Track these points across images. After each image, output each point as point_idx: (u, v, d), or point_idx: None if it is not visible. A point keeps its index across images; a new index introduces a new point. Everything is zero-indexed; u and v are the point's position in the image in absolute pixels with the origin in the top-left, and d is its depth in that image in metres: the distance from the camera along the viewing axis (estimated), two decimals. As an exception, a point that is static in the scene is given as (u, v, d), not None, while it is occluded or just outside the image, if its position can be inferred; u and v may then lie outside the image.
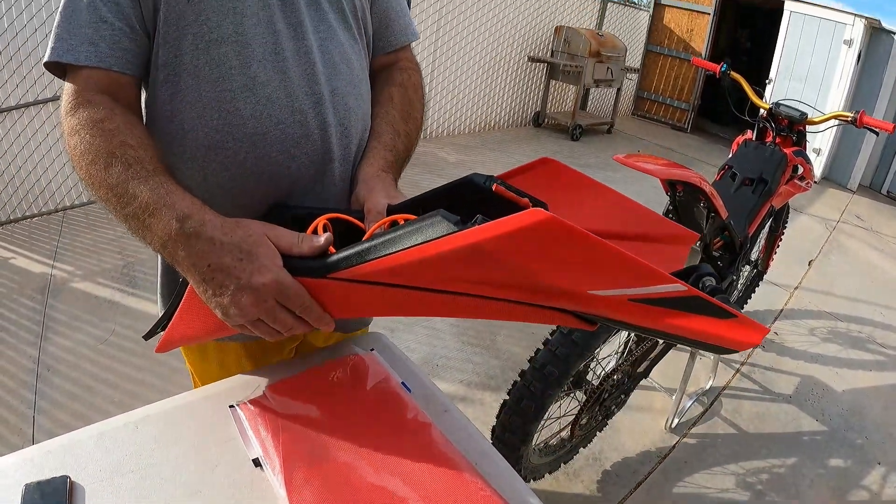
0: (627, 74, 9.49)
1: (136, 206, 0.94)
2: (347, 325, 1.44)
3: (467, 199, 0.96)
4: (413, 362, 1.22)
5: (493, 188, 0.93)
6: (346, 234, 1.01)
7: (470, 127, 8.37)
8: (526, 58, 8.72)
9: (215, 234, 0.91)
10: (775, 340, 4.13)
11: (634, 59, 10.62)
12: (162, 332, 1.06)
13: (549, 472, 2.48)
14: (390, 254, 0.79)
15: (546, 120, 9.18)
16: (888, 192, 8.80)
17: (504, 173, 1.06)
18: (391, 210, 1.04)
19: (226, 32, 1.07)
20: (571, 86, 9.06)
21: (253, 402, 1.04)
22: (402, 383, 1.11)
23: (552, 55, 8.87)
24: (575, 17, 9.37)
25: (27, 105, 4.55)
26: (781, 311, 4.55)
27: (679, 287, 0.71)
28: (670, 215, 2.60)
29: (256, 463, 0.93)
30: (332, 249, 0.91)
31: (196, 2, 1.06)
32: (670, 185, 2.42)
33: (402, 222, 0.92)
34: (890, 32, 8.26)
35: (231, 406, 1.04)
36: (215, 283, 0.91)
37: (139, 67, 1.08)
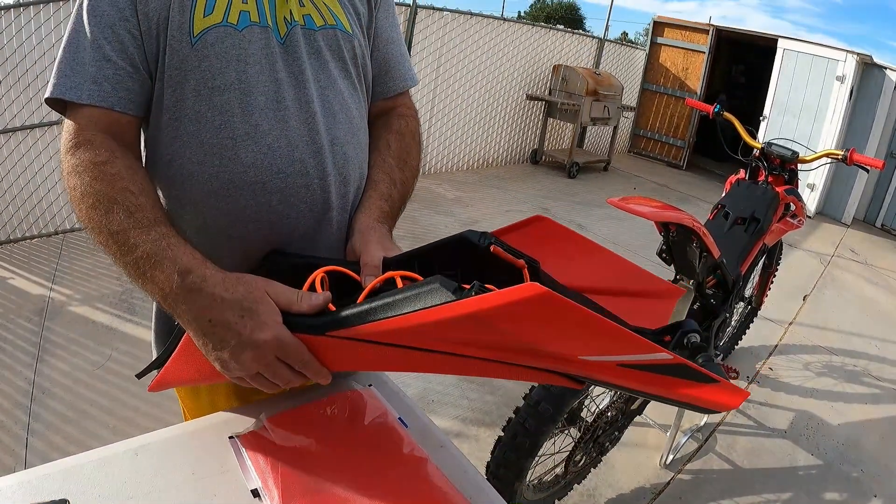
0: (624, 112, 9.56)
1: (137, 255, 0.95)
2: None
3: (462, 256, 0.99)
4: (409, 398, 1.24)
5: (491, 249, 0.96)
6: (342, 286, 1.03)
7: (468, 164, 8.45)
8: (524, 96, 8.83)
9: (217, 290, 0.93)
10: (770, 376, 4.14)
11: (631, 97, 10.72)
12: (156, 372, 1.08)
13: (544, 510, 2.49)
14: (389, 317, 0.82)
15: (543, 157, 9.26)
16: (882, 225, 8.85)
17: (498, 230, 1.11)
18: (387, 263, 1.05)
19: (229, 80, 1.08)
20: (569, 124, 9.12)
21: (252, 434, 1.05)
22: (399, 419, 1.14)
23: (550, 93, 8.97)
24: (573, 56, 9.49)
25: (32, 127, 4.65)
26: (776, 346, 4.57)
27: (665, 356, 0.75)
28: (664, 255, 2.66)
29: (255, 494, 0.94)
30: (331, 307, 0.93)
31: (200, 48, 1.06)
32: (664, 226, 2.47)
33: (398, 279, 0.96)
34: (881, 67, 8.36)
35: (231, 437, 1.05)
36: (216, 338, 0.93)
37: (141, 107, 1.09)
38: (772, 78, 9.08)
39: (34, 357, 3.29)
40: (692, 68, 10.34)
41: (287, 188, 1.12)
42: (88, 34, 1.04)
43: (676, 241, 2.51)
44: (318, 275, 1.00)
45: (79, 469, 0.95)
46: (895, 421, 3.88)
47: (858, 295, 6.05)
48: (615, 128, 9.57)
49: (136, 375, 1.16)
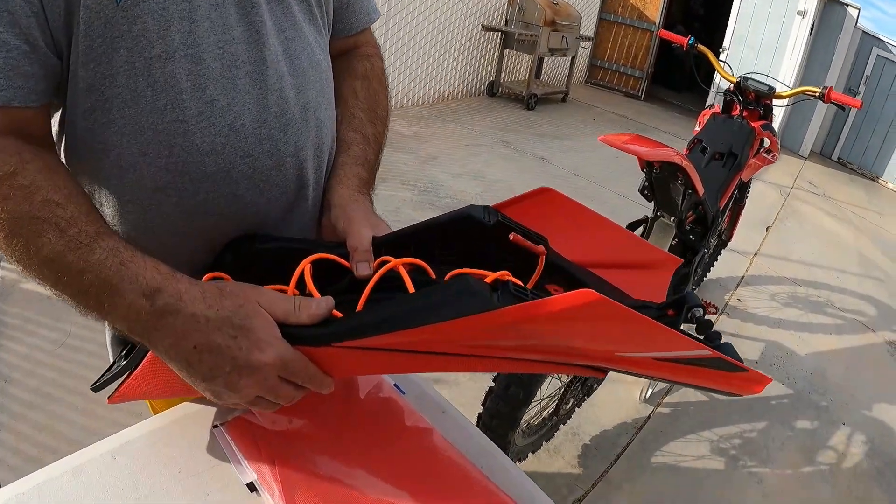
0: (582, 43, 9.46)
1: (84, 283, 0.76)
2: None
3: (462, 233, 0.92)
4: None
5: (511, 238, 0.89)
6: (327, 271, 0.91)
7: (424, 98, 8.23)
8: (479, 27, 8.62)
9: (198, 309, 0.76)
10: (738, 307, 4.21)
11: (588, 27, 10.58)
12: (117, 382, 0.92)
13: (532, 452, 2.50)
14: (413, 327, 0.72)
15: (501, 89, 9.09)
16: (839, 158, 8.98)
17: (502, 203, 1.04)
18: (376, 244, 0.92)
19: (172, 45, 0.83)
20: (526, 55, 8.99)
21: (238, 420, 0.94)
22: (395, 385, 1.06)
23: (506, 24, 8.77)
24: (529, -14, 9.32)
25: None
26: (742, 277, 4.64)
27: (705, 352, 0.74)
28: (645, 192, 2.62)
29: (251, 487, 0.85)
30: (335, 312, 0.82)
31: (129, 6, 0.80)
32: (647, 163, 2.44)
33: (400, 268, 0.86)
34: (843, 4, 8.38)
35: (215, 426, 0.93)
36: (204, 367, 0.77)
37: (46, 94, 0.83)
38: (732, 11, 9.04)
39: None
40: (651, -2, 10.25)
41: (256, 173, 0.94)
42: None
43: (660, 178, 2.48)
44: (304, 267, 0.87)
45: (53, 482, 0.82)
46: (858, 351, 4.00)
47: (818, 226, 6.16)
48: (573, 58, 9.44)
49: (92, 388, 0.95)
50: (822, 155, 9.15)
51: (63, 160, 0.93)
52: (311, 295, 0.84)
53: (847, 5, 8.36)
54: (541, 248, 0.91)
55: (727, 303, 4.23)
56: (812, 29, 8.35)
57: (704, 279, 4.22)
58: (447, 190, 5.29)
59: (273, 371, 0.78)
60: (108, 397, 0.90)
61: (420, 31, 7.67)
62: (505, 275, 0.83)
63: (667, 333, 0.69)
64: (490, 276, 0.82)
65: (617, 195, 5.68)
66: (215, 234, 0.96)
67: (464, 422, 1.05)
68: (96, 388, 0.93)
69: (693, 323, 0.86)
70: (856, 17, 8.38)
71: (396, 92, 7.68)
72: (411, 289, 0.83)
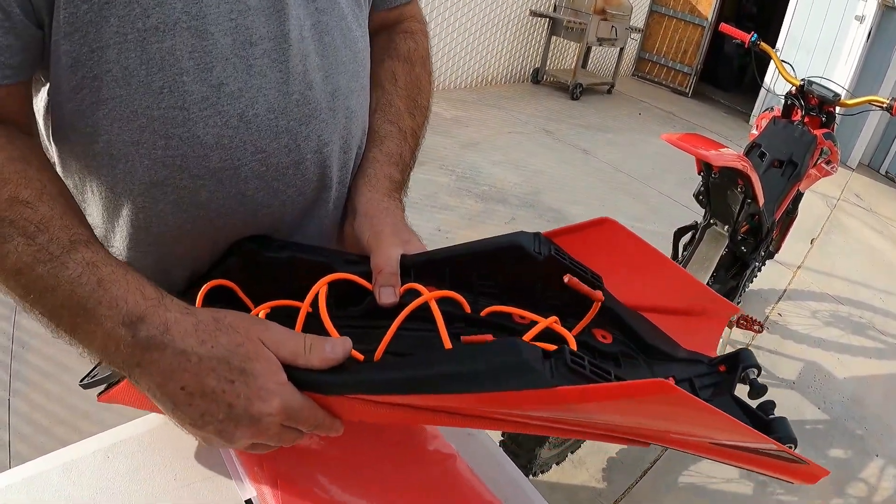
0: (631, 34, 9.30)
1: (56, 302, 0.65)
2: None
3: (509, 264, 0.80)
4: None
5: (566, 280, 0.76)
6: (345, 290, 0.80)
7: (467, 81, 8.11)
8: (528, 11, 8.47)
9: (188, 345, 0.64)
10: (779, 322, 4.08)
11: (638, 18, 10.40)
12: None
13: (557, 464, 2.42)
14: (445, 393, 0.63)
15: (545, 77, 8.95)
16: (887, 172, 8.76)
17: (555, 231, 0.90)
18: (405, 266, 0.80)
19: (172, 15, 0.69)
20: (573, 43, 8.83)
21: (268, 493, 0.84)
22: None
23: (555, 10, 8.61)
24: (581, -28, 9.15)
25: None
26: (784, 291, 4.51)
27: (770, 446, 0.63)
28: (700, 197, 2.49)
29: None
30: (354, 353, 0.70)
31: None
32: (705, 166, 2.30)
33: (432, 302, 0.75)
34: (903, 11, 8.17)
35: (247, 501, 0.84)
36: (194, 412, 0.65)
37: (24, 70, 0.71)
38: (787, 11, 8.85)
39: (11, 308, 2.95)
40: (704, -7, 10.04)
41: (269, 171, 0.81)
42: None
43: (718, 184, 2.34)
44: (320, 288, 0.76)
45: (44, 476, 0.78)
46: (896, 379, 3.87)
47: (864, 243, 5.98)
48: (621, 50, 9.28)
49: (81, 384, 0.86)
50: (871, 167, 8.93)
51: (52, 147, 0.81)
52: (323, 326, 0.73)
53: (907, 13, 8.15)
54: (598, 293, 0.79)
55: (767, 316, 4.11)
56: (869, 35, 8.14)
57: (746, 290, 4.10)
58: (486, 177, 5.18)
59: (275, 421, 0.67)
60: (98, 395, 0.81)
61: (466, 14, 7.58)
62: (554, 323, 0.74)
63: (739, 428, 0.59)
64: (538, 326, 0.74)
65: (658, 193, 5.55)
66: (219, 238, 0.84)
67: (492, 447, 0.95)
68: (85, 384, 0.85)
69: (746, 384, 0.78)
70: (915, 26, 8.15)
71: (439, 73, 7.60)
72: (447, 342, 0.71)
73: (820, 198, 6.78)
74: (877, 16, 8.13)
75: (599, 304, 0.79)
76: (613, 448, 2.73)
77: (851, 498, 2.84)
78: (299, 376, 0.68)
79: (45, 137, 0.82)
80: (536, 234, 0.80)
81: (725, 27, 3.58)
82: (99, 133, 0.74)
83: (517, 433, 2.01)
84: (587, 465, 2.62)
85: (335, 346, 0.68)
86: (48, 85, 0.76)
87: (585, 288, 0.77)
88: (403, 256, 0.81)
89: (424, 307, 0.74)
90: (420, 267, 0.81)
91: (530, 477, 2.17)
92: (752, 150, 2.87)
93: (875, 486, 2.95)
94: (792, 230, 3.75)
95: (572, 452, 2.45)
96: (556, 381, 0.58)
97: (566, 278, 0.76)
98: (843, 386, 3.60)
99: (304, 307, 0.75)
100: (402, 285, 0.78)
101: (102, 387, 0.82)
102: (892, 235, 6.40)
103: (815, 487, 2.79)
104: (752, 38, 3.22)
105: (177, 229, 0.81)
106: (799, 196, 3.46)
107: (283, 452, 0.81)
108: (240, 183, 0.79)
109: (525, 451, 2.02)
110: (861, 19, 8.14)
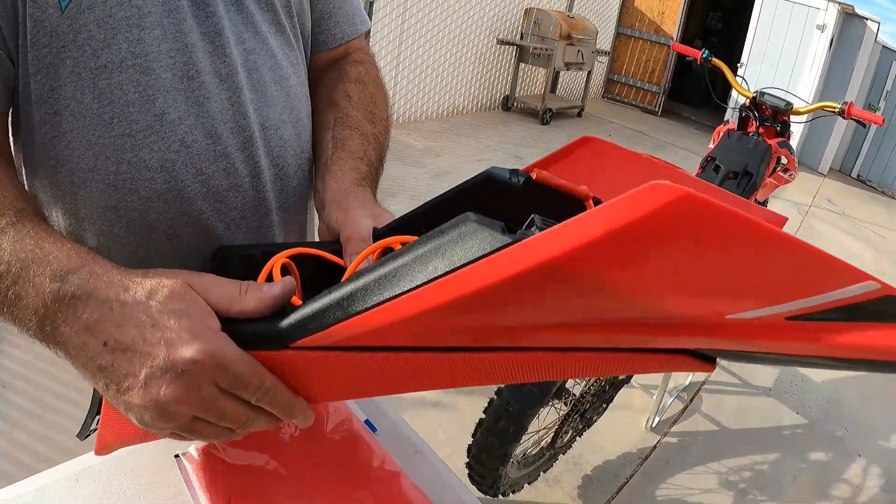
0: (598, 57, 9.40)
1: None
2: None
3: (487, 204, 0.66)
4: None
5: (533, 176, 0.68)
6: (319, 280, 0.75)
7: (438, 112, 8.17)
8: (495, 40, 8.57)
9: (112, 293, 0.59)
10: (753, 331, 4.07)
11: (605, 41, 10.53)
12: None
13: (529, 483, 2.40)
14: (393, 297, 0.51)
15: (515, 104, 9.04)
16: (858, 175, 8.86)
17: (536, 162, 0.83)
18: (377, 235, 0.76)
19: (118, 54, 0.78)
20: (541, 69, 8.94)
21: (201, 451, 0.87)
22: (367, 422, 0.97)
23: (521, 38, 8.73)
24: (545, -1, 9.26)
25: None
26: (758, 299, 4.49)
27: (872, 286, 0.44)
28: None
29: None
30: (295, 300, 0.62)
31: (72, 13, 0.75)
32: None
33: (397, 247, 0.68)
34: (862, 18, 8.34)
35: (176, 456, 0.87)
36: (117, 374, 0.58)
37: (2, 101, 0.79)
38: (750, 25, 9.00)
39: (-10, 350, 3.01)
40: (668, 13, 10.20)
41: (210, 193, 0.86)
42: None
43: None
44: (277, 261, 0.70)
45: (16, 501, 0.79)
46: (876, 377, 3.86)
47: (838, 246, 6.03)
48: (589, 73, 9.42)
49: (78, 436, 0.88)
50: (842, 172, 9.03)
51: (25, 182, 0.87)
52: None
53: (867, 19, 8.32)
54: (583, 189, 0.68)
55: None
56: (831, 43, 8.29)
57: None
58: (456, 206, 5.15)
59: (205, 375, 0.57)
60: (95, 450, 0.78)
61: (434, 45, 7.63)
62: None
63: (816, 255, 0.43)
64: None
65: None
66: (174, 259, 0.88)
67: (438, 464, 0.97)
68: (81, 436, 0.87)
69: None
70: (876, 32, 8.34)
71: (410, 105, 7.64)
72: None
73: (791, 206, 6.85)
74: (838, 23, 8.27)
75: (590, 201, 0.70)
76: (588, 465, 2.71)
77: (836, 499, 2.84)
78: (240, 331, 0.59)
79: (21, 175, 0.88)
80: (513, 169, 0.72)
81: (677, 46, 3.64)
82: (61, 163, 0.81)
83: (480, 453, 2.01)
84: (562, 483, 2.60)
85: (273, 285, 0.61)
86: (20, 124, 0.83)
87: (560, 182, 0.69)
88: (375, 229, 0.78)
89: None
90: (394, 232, 0.75)
91: (500, 497, 2.17)
92: (708, 163, 2.91)
93: (859, 485, 2.95)
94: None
95: (545, 472, 2.44)
96: (519, 237, 0.47)
97: (534, 174, 0.69)
98: (820, 389, 3.62)
99: (261, 278, 0.68)
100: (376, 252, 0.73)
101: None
102: (866, 237, 6.46)
103: (797, 491, 2.81)
104: (704, 55, 3.27)
105: (132, 253, 0.86)
106: (760, 204, 3.50)
107: (238, 473, 0.84)
108: (184, 204, 0.85)
109: (489, 471, 2.02)
110: (822, 28, 8.28)
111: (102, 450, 0.75)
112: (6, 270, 0.62)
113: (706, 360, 0.57)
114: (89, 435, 0.87)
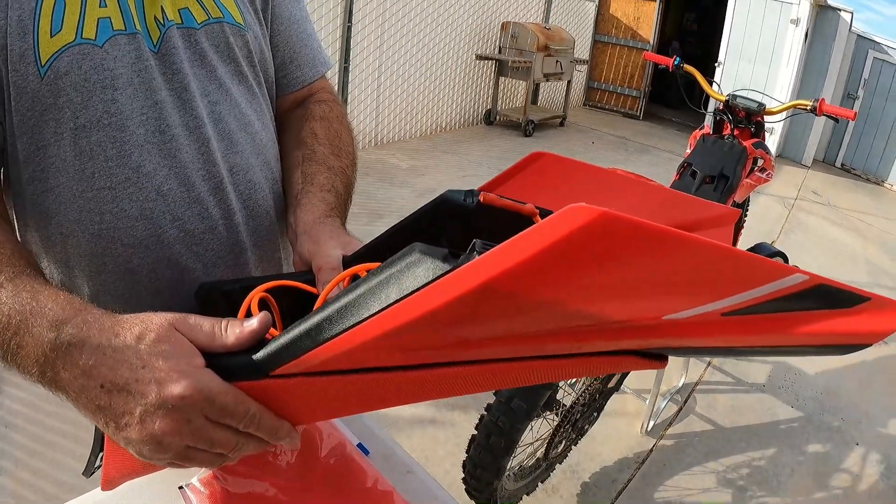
0: (577, 66, 9.45)
1: None
2: None
3: (445, 228, 0.76)
4: (368, 417, 1.11)
5: (480, 199, 0.73)
6: (296, 308, 0.80)
7: (421, 130, 8.20)
8: (473, 56, 8.62)
9: (104, 339, 0.64)
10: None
11: (583, 50, 10.59)
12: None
13: (527, 494, 2.42)
14: (354, 325, 0.56)
15: (498, 117, 9.07)
16: (842, 164, 8.91)
17: (488, 183, 0.87)
18: (347, 263, 0.81)
19: (95, 114, 0.85)
20: (521, 81, 8.98)
21: (203, 481, 0.91)
22: (359, 445, 1.02)
23: (500, 52, 8.78)
24: (521, 12, 9.28)
25: None
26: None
27: (799, 278, 0.49)
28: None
29: None
30: (273, 332, 0.66)
31: (51, 79, 0.82)
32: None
33: (355, 269, 0.74)
34: (835, 9, 8.41)
35: (180, 487, 0.91)
36: (116, 413, 0.63)
37: None
38: (725, 24, 9.05)
39: (-7, 390, 3.02)
40: (644, 17, 10.27)
41: (187, 237, 0.93)
42: None
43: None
44: (254, 296, 0.75)
45: None
46: (870, 366, 3.90)
47: (824, 237, 6.08)
48: (569, 82, 9.47)
49: (83, 474, 0.92)
50: (826, 162, 9.09)
51: (18, 231, 0.95)
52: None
53: (839, 10, 8.39)
54: (528, 206, 0.73)
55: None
56: (806, 37, 8.35)
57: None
58: (443, 224, 5.18)
59: (194, 408, 0.62)
60: (101, 486, 0.82)
61: (414, 64, 7.65)
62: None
63: (738, 257, 0.48)
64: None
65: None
66: (157, 299, 0.95)
67: (429, 482, 1.01)
68: (86, 473, 0.93)
69: None
70: (849, 22, 8.42)
71: (393, 125, 7.67)
72: None
73: (776, 200, 6.89)
74: (811, 17, 8.33)
75: (536, 216, 0.74)
76: (586, 473, 2.73)
77: (836, 489, 2.86)
78: (223, 364, 0.64)
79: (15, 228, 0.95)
80: (468, 190, 0.77)
81: (649, 55, 3.69)
82: (50, 216, 0.90)
83: (474, 468, 2.04)
84: (560, 491, 2.61)
85: (250, 321, 0.66)
86: (10, 180, 0.91)
87: (506, 202, 0.73)
88: (345, 256, 0.83)
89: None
90: (363, 259, 0.80)
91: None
92: (684, 169, 2.95)
93: (859, 474, 2.97)
94: (749, 235, 3.79)
95: (542, 482, 2.46)
96: (459, 263, 0.52)
97: (481, 196, 0.74)
98: (815, 381, 3.64)
99: (240, 316, 0.72)
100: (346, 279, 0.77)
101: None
102: (852, 226, 6.50)
103: (796, 484, 2.83)
104: (675, 62, 3.33)
105: (121, 297, 0.94)
106: (738, 205, 3.54)
107: (238, 500, 0.88)
108: (164, 248, 0.92)
109: (485, 485, 2.05)
110: (796, 22, 8.32)
111: (108, 485, 0.79)
112: (7, 323, 0.67)
113: (655, 357, 0.61)
114: (94, 472, 0.92)
